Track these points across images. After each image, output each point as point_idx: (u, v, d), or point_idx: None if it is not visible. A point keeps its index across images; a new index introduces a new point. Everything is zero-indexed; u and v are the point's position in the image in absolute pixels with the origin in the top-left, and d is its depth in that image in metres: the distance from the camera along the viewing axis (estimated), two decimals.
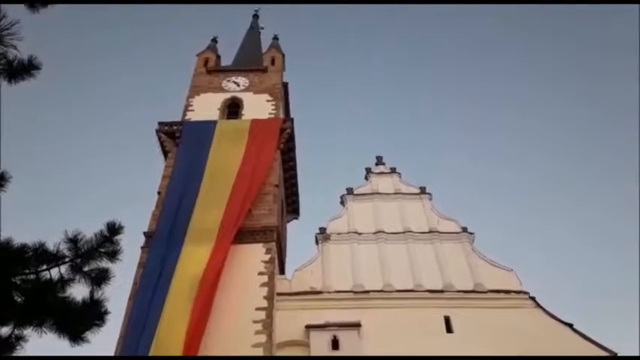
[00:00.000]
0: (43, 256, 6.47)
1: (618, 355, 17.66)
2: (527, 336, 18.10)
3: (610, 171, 64.67)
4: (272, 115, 25.76)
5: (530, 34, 73.04)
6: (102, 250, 6.64)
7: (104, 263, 6.72)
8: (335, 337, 17.98)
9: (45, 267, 6.53)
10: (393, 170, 25.82)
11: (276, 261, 20.01)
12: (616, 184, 62.81)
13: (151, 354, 15.41)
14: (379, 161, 26.50)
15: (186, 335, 15.65)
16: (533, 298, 19.75)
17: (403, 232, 22.29)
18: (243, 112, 26.14)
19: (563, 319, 19.00)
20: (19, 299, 6.39)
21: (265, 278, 18.63)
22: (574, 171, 66.96)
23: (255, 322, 17.18)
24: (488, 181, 67.97)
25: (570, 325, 18.71)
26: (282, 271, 21.66)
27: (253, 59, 31.20)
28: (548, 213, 61.68)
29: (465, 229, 22.49)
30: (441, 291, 20.05)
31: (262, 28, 36.74)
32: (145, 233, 20.02)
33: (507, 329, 18.33)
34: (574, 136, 66.52)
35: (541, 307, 19.48)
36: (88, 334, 6.72)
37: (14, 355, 6.63)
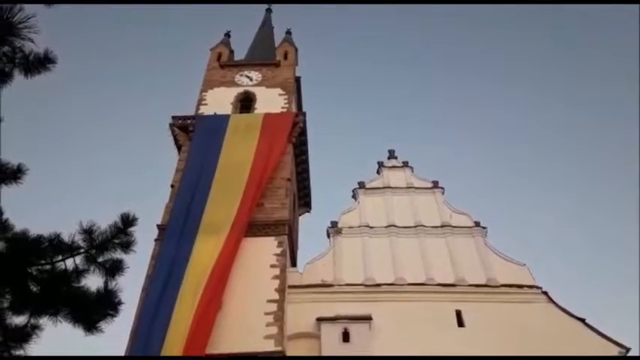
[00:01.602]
0: (58, 246, 6.56)
1: (630, 350, 17.54)
2: (539, 331, 18.04)
3: (624, 167, 63.79)
4: (284, 109, 25.80)
5: (532, 34, 72.13)
6: (116, 241, 6.71)
7: (118, 254, 6.81)
8: (346, 329, 18.06)
9: (60, 257, 6.62)
10: (405, 164, 25.78)
11: (288, 254, 20.08)
12: (630, 181, 61.97)
13: (164, 345, 15.57)
14: (391, 155, 26.48)
15: (190, 327, 15.77)
16: (545, 293, 19.64)
17: (415, 226, 22.24)
18: (255, 107, 26.21)
19: (575, 313, 18.89)
20: (35, 289, 6.51)
21: (277, 271, 18.73)
22: (588, 166, 66.26)
23: (267, 314, 17.27)
24: (502, 176, 67.52)
25: (583, 320, 18.59)
26: (293, 264, 21.77)
27: (266, 54, 31.18)
28: (560, 208, 61.13)
29: (477, 224, 22.40)
30: (453, 285, 19.99)
31: (273, 27, 36.76)
32: (158, 226, 20.19)
33: (519, 324, 18.28)
34: (590, 132, 65.73)
35: (553, 302, 19.36)
36: (102, 324, 6.83)
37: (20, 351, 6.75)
